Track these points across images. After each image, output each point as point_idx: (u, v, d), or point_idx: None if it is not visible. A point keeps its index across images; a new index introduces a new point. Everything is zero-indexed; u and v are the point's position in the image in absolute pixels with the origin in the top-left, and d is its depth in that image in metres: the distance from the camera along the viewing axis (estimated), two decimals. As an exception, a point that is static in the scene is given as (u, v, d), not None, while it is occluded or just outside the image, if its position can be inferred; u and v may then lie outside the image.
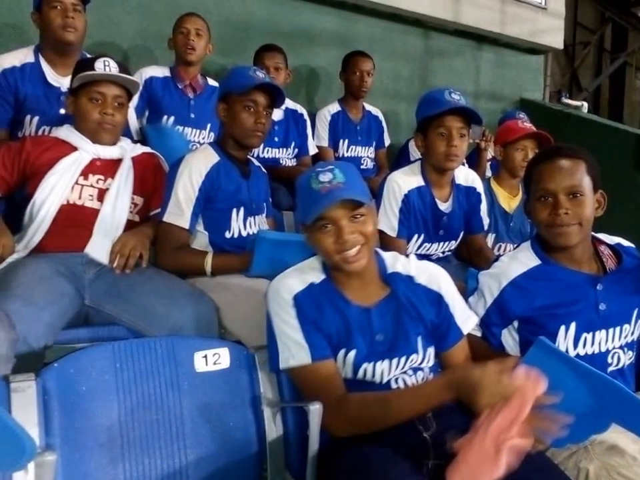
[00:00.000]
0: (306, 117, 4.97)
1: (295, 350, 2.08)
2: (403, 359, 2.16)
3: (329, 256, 2.11)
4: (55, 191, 2.84)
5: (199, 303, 2.69)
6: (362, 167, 5.26)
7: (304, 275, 2.18)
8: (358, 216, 2.09)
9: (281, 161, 4.78)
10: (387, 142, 5.55)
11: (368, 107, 5.44)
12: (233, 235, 3.06)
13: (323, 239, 2.09)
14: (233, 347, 2.31)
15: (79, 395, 2.02)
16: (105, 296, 2.75)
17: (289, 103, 4.77)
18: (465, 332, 2.27)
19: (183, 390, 2.16)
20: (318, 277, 2.18)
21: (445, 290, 2.25)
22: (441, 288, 2.25)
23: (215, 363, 2.23)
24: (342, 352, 2.13)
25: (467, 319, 2.29)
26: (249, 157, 3.26)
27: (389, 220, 3.37)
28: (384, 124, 5.52)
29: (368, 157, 5.36)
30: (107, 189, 2.93)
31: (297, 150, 4.88)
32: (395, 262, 2.28)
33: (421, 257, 2.91)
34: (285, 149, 4.79)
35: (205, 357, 2.22)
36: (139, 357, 2.15)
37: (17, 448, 1.67)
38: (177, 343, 2.24)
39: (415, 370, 2.19)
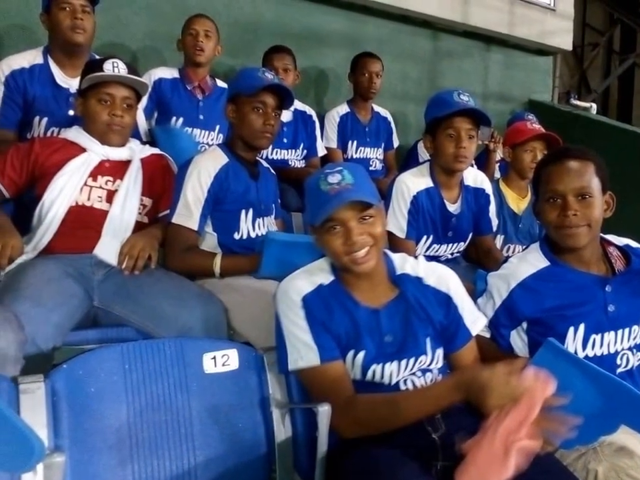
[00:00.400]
0: (315, 118, 4.97)
1: (303, 351, 2.09)
2: (411, 360, 2.17)
3: (338, 257, 2.12)
4: (63, 192, 2.85)
5: (208, 304, 2.69)
6: (370, 168, 5.26)
7: (313, 276, 2.19)
8: (367, 217, 2.10)
9: (290, 162, 4.80)
10: (396, 143, 5.55)
11: (376, 108, 5.44)
12: (241, 236, 3.06)
13: (332, 241, 2.10)
14: (242, 348, 2.31)
15: (88, 396, 2.02)
16: (114, 297, 2.75)
17: (297, 104, 4.79)
18: (474, 333, 2.28)
19: (191, 391, 2.16)
20: (327, 278, 2.19)
21: (454, 291, 2.26)
22: (449, 289, 2.25)
23: (223, 365, 2.23)
24: (351, 353, 2.14)
25: (475, 320, 2.30)
26: (257, 158, 3.26)
27: (397, 221, 3.37)
28: (392, 125, 5.52)
29: (377, 158, 5.36)
30: (116, 191, 2.93)
31: (305, 151, 4.89)
32: (404, 263, 2.29)
33: (430, 258, 2.91)
34: (293, 150, 4.80)
35: (214, 358, 2.22)
36: (148, 358, 2.15)
37: (26, 449, 1.67)
38: (185, 344, 2.23)
39: (424, 371, 2.20)
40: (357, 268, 2.11)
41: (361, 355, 2.13)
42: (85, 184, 2.90)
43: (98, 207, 2.90)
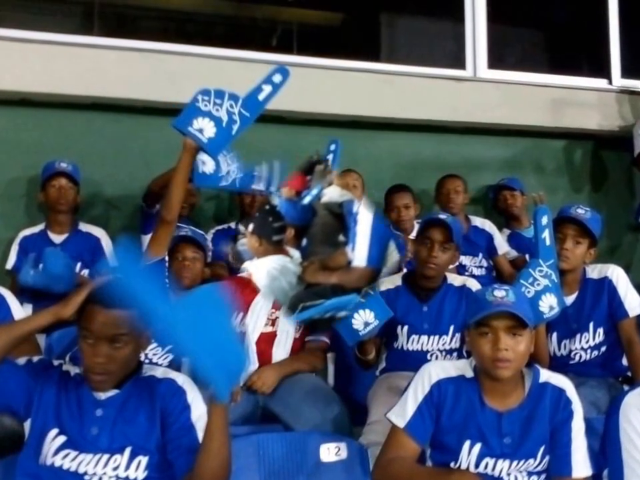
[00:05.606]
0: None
1: (400, 412, 2.54)
2: (522, 462, 2.49)
3: (482, 359, 2.46)
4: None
5: (335, 408, 3.22)
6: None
7: (459, 367, 2.61)
8: (516, 334, 2.43)
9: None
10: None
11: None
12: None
13: (482, 344, 2.44)
14: (351, 443, 2.84)
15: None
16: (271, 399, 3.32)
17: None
18: (574, 474, 2.49)
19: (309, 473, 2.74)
20: (470, 374, 2.59)
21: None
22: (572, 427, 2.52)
23: (335, 454, 2.76)
24: (467, 443, 2.49)
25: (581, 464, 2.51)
26: None
27: None
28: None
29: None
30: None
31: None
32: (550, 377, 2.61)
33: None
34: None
35: (328, 449, 2.76)
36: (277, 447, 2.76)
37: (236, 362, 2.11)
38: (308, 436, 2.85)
39: (530, 474, 2.51)
40: (495, 372, 2.42)
41: (477, 447, 2.48)
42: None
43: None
